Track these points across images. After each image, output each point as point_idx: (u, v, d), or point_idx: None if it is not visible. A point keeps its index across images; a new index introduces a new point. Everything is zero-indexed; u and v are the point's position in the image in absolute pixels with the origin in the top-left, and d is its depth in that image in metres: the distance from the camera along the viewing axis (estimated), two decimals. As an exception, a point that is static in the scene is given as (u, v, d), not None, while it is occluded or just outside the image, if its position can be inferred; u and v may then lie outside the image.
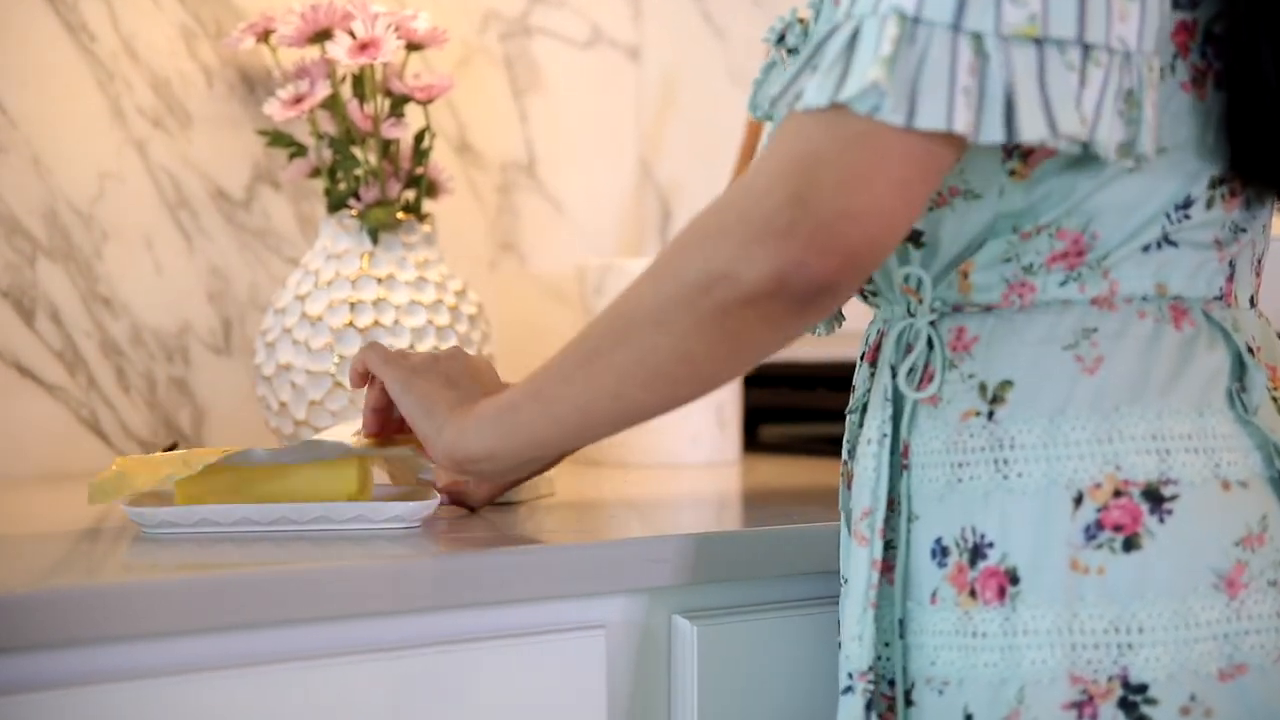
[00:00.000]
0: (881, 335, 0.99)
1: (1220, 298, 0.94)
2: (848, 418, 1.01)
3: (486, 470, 1.01)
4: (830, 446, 1.15)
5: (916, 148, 0.82)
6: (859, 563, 0.94)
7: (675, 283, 0.86)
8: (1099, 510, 0.87)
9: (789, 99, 0.86)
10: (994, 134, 0.82)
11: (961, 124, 0.81)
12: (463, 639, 0.98)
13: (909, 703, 0.94)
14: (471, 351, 1.31)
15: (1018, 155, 0.90)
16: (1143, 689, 0.86)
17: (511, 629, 1.00)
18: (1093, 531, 0.87)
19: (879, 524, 0.93)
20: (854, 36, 0.83)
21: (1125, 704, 0.86)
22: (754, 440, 1.82)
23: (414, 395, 1.03)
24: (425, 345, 1.36)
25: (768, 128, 1.03)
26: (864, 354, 1.01)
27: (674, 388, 0.90)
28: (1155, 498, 0.87)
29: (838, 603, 0.99)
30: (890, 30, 0.81)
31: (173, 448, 1.15)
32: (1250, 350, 0.93)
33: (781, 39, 1.04)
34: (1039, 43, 0.82)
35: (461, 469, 1.01)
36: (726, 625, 1.06)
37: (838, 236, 0.82)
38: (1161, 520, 0.87)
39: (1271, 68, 0.90)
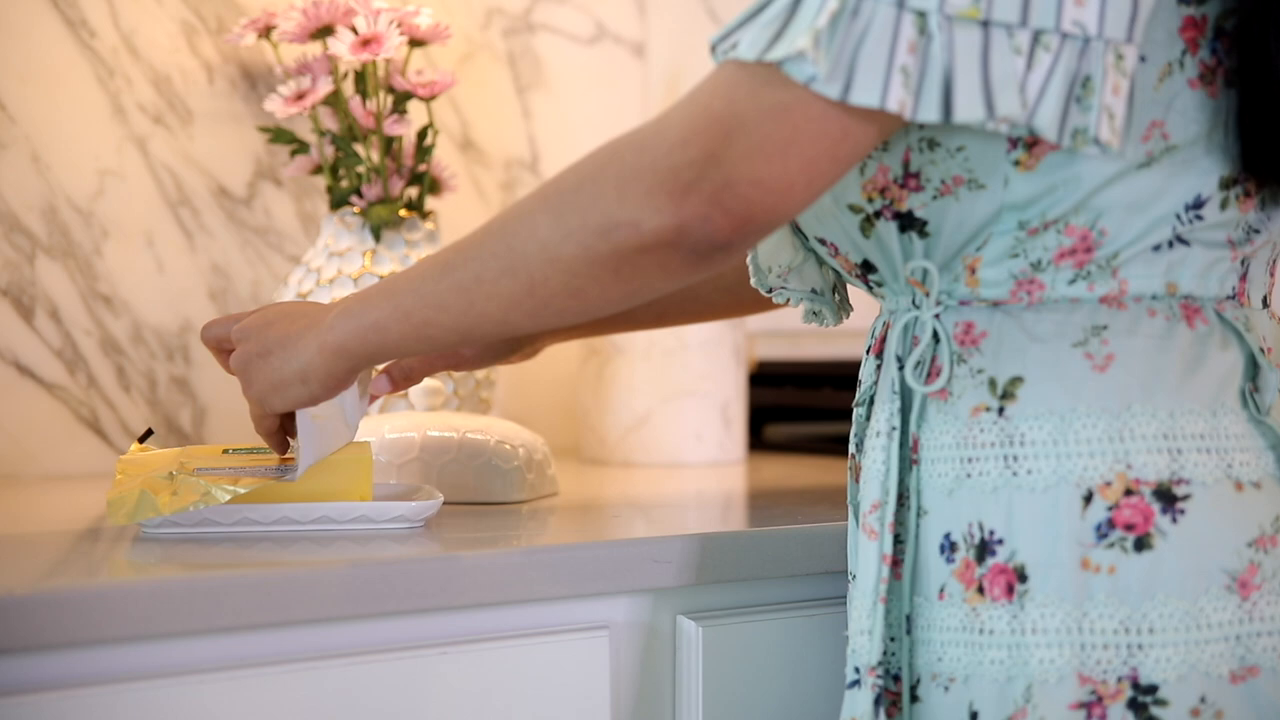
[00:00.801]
0: (887, 328, 0.98)
1: (1233, 297, 0.93)
2: (854, 411, 1.01)
3: (355, 368, 1.00)
4: (836, 446, 1.14)
5: (836, 126, 0.82)
6: (868, 557, 0.93)
7: (575, 221, 0.86)
8: (1110, 509, 0.87)
9: (725, 47, 0.86)
10: (930, 113, 0.82)
11: (894, 102, 0.81)
12: (466, 639, 0.98)
13: (914, 698, 0.93)
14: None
15: (1023, 145, 0.89)
16: (1153, 690, 0.86)
17: (515, 629, 1.00)
18: (1104, 530, 0.87)
19: (889, 518, 0.93)
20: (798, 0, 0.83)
21: (1135, 705, 0.86)
22: (759, 439, 1.82)
23: (270, 387, 1.02)
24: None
25: None
26: (869, 347, 1.00)
27: (560, 317, 0.91)
28: (1167, 497, 0.87)
29: (844, 604, 0.98)
30: (831, 2, 0.81)
31: (147, 435, 1.14)
32: (1263, 351, 0.92)
33: None
34: (984, 25, 0.82)
35: (344, 372, 1.00)
36: (732, 626, 1.06)
37: (741, 200, 0.82)
38: (1174, 520, 0.86)
39: (1283, 64, 0.89)
